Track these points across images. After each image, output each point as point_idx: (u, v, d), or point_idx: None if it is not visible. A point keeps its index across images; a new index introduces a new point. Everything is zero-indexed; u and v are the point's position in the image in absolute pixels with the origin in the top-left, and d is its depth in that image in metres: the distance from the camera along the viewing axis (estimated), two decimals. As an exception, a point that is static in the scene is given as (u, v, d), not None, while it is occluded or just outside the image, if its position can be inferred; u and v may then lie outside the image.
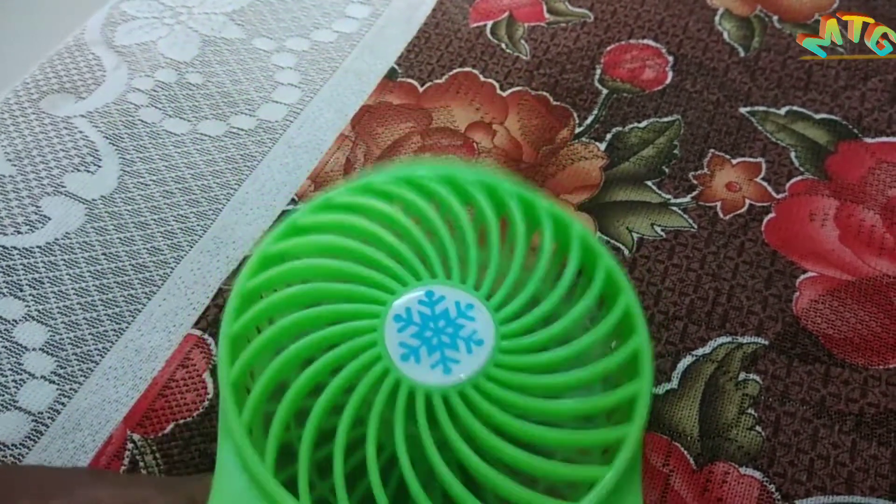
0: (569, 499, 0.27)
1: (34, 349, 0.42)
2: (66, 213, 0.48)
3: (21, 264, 0.45)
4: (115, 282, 0.44)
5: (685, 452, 0.37)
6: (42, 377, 0.41)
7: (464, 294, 0.30)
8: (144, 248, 0.46)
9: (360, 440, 0.28)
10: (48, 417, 0.39)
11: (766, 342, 0.41)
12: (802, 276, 0.44)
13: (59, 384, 0.40)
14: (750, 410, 0.38)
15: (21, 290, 0.44)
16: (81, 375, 0.41)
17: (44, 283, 0.45)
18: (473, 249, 0.32)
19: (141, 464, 0.36)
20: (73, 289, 0.44)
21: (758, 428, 0.38)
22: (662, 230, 0.46)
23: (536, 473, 0.27)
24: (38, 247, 0.46)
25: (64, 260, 0.46)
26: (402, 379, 0.28)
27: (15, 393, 0.40)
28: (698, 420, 0.38)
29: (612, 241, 0.45)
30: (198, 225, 0.47)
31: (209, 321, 0.42)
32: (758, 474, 0.36)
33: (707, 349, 0.41)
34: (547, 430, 0.28)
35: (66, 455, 0.37)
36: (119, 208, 0.48)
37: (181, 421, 0.38)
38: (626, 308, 0.30)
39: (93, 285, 0.44)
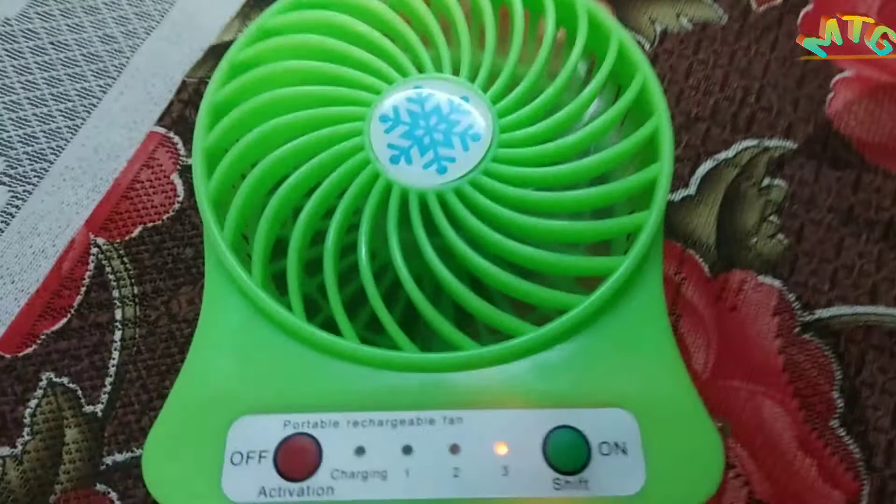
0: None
1: (-21, 148, 0.37)
2: (2, -5, 0.41)
3: (-45, 54, 0.40)
4: (65, 74, 0.39)
5: (699, 260, 0.34)
6: (-9, 178, 0.37)
7: (457, 87, 0.26)
8: (96, 36, 0.40)
9: (353, 247, 0.25)
10: (1, 221, 0.35)
11: (795, 146, 0.37)
12: (838, 76, 0.40)
13: (10, 185, 0.36)
14: (772, 218, 0.35)
15: (-41, 84, 0.39)
16: (35, 176, 0.36)
17: (-16, 76, 0.39)
18: (465, 36, 0.27)
19: (108, 269, 0.33)
20: (18, 82, 0.39)
21: (780, 236, 0.35)
22: (689, 21, 0.40)
23: (548, 270, 0.25)
24: (-27, 34, 0.40)
25: (6, 50, 0.40)
26: (393, 182, 0.24)
27: (-38, 195, 0.36)
28: (716, 227, 0.35)
29: (633, 34, 0.40)
30: (154, 9, 0.41)
31: (174, 118, 0.37)
32: (777, 283, 0.34)
33: (730, 153, 0.37)
34: (560, 223, 0.25)
35: (24, 261, 0.34)
36: (63, -10, 0.41)
37: (150, 224, 0.34)
38: (641, 87, 0.26)
39: (41, 78, 0.39)
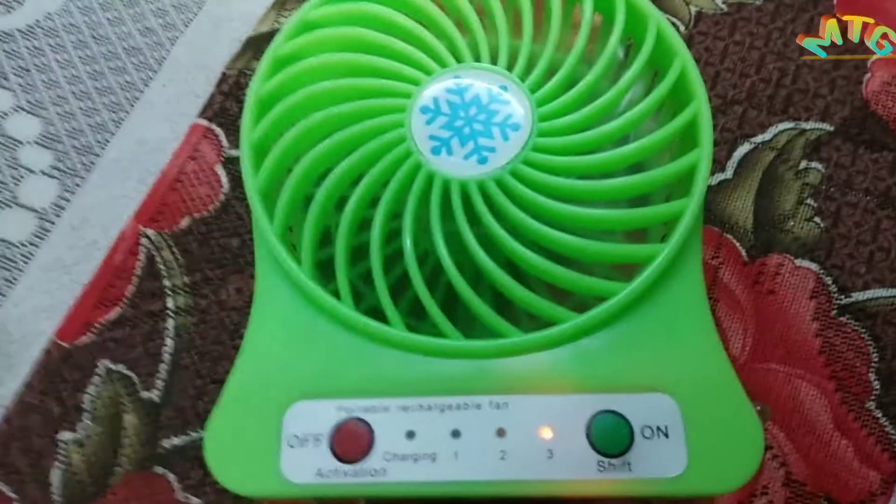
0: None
1: (29, 142, 0.38)
2: (44, -10, 0.42)
3: (2, 50, 0.41)
4: (107, 67, 0.40)
5: (736, 244, 0.34)
6: (41, 172, 0.38)
7: (496, 77, 0.26)
8: (135, 29, 0.41)
9: (395, 234, 0.26)
10: (53, 214, 0.37)
11: (832, 128, 0.37)
12: (875, 56, 0.39)
13: (60, 179, 0.37)
14: (809, 201, 0.35)
15: (6, 80, 0.40)
16: (83, 169, 0.38)
17: (30, 71, 0.40)
18: (503, 24, 0.27)
19: (158, 259, 0.34)
20: (63, 76, 0.40)
21: (816, 219, 0.35)
22: (724, 3, 0.40)
23: (589, 258, 0.25)
24: (17, 30, 0.41)
25: (49, 45, 0.41)
26: (435, 173, 0.25)
27: (14, 189, 0.37)
28: (753, 211, 0.35)
29: (667, 16, 0.40)
30: (191, 1, 0.41)
31: (215, 110, 0.38)
32: (814, 266, 0.34)
33: (767, 136, 0.37)
34: (602, 212, 0.25)
35: (77, 252, 0.35)
36: (102, -16, 0.42)
37: (197, 215, 0.35)
38: (680, 73, 0.26)
39: (84, 72, 0.40)
